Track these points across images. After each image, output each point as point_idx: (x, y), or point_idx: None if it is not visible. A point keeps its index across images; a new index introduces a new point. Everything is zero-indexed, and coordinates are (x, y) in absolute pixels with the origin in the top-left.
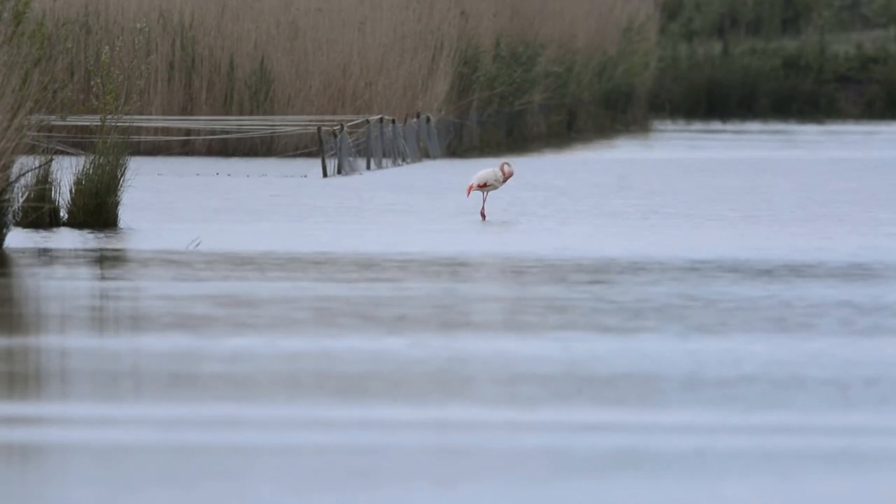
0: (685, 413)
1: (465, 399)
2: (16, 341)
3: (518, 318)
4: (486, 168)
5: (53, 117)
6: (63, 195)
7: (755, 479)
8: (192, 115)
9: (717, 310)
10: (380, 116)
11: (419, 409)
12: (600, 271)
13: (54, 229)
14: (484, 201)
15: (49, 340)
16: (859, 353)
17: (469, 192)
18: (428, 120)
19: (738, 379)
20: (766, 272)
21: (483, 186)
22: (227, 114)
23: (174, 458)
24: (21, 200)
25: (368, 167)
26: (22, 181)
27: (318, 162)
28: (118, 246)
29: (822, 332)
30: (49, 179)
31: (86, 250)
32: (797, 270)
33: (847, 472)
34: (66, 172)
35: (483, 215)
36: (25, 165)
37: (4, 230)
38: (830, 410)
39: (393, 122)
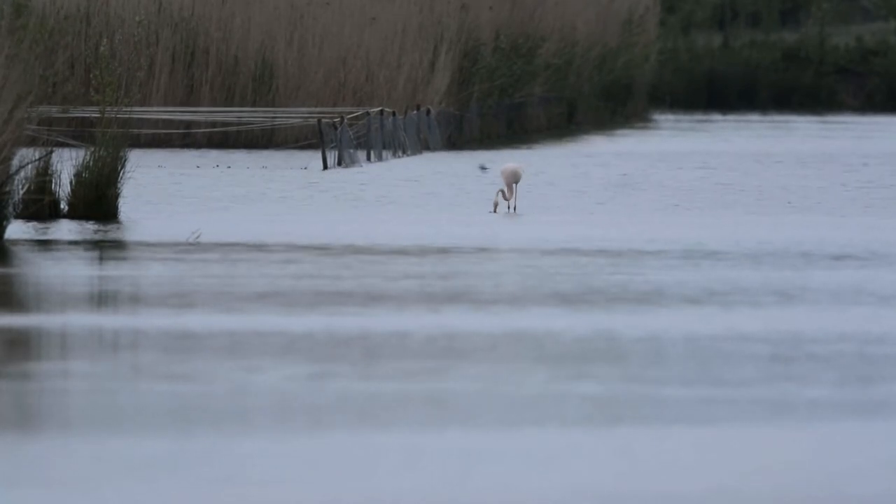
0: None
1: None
2: (14, 331)
3: (515, 298)
4: (511, 162)
5: (54, 109)
6: (63, 187)
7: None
8: (194, 106)
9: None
10: (380, 108)
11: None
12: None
13: (54, 221)
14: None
15: (48, 329)
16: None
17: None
18: (428, 112)
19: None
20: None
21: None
22: (229, 105)
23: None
24: (21, 192)
25: (369, 159)
26: (22, 173)
27: (318, 154)
28: (118, 238)
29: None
30: (49, 171)
31: (86, 242)
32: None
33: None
34: (67, 164)
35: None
36: (26, 157)
37: (5, 222)
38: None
39: (393, 114)
